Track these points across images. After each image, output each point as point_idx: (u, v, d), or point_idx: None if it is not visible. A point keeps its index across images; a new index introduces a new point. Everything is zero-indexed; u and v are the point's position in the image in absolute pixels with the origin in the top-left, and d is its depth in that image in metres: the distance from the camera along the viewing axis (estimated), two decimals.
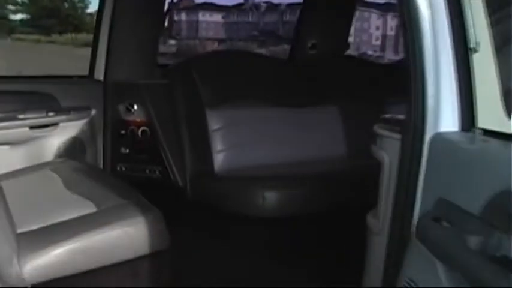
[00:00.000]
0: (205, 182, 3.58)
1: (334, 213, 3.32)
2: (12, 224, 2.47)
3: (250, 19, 17.95)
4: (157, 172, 3.66)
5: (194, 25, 17.81)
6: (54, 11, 13.73)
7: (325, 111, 4.08)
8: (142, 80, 3.72)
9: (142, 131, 3.67)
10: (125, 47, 3.70)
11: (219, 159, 3.69)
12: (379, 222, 2.14)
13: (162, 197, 3.67)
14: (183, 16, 18.06)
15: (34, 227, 2.50)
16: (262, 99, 3.89)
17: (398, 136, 2.08)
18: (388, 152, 2.14)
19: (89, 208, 2.66)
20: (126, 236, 2.55)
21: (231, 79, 3.85)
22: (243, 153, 3.76)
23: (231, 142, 3.75)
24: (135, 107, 3.68)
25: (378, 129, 2.26)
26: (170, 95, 3.69)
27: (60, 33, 13.27)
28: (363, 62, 4.52)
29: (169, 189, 3.65)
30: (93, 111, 3.67)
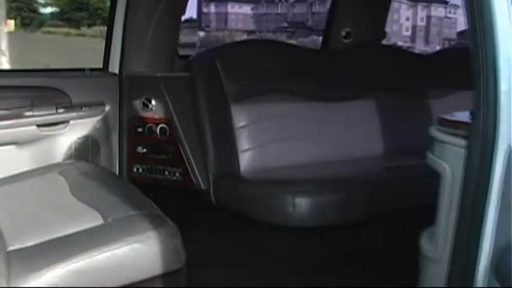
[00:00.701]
0: (229, 185, 3.15)
1: (375, 223, 2.89)
2: (1, 240, 2.08)
3: (279, 10, 17.65)
4: (177, 174, 3.24)
5: (223, 17, 17.52)
6: (83, 4, 13.46)
7: (364, 105, 3.65)
8: (161, 73, 3.29)
9: (161, 129, 3.25)
10: (141, 36, 3.28)
11: (244, 160, 3.28)
12: (437, 248, 1.70)
13: (182, 201, 3.28)
14: (212, 8, 17.81)
15: (29, 243, 2.11)
16: (294, 93, 3.46)
17: (463, 143, 1.63)
18: (449, 162, 1.69)
19: (94, 220, 2.26)
20: (136, 254, 2.13)
21: (258, 71, 3.42)
22: (271, 152, 3.34)
23: (258, 140, 3.33)
24: (153, 102, 3.26)
25: (436, 132, 1.81)
26: (191, 88, 3.26)
27: (89, 26, 13.00)
28: (403, 51, 4.06)
29: (190, 193, 3.23)
30: (108, 108, 3.26)
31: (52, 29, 13.83)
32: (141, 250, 2.13)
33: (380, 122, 3.72)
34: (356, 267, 2.89)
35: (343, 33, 3.86)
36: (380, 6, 4.00)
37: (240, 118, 3.31)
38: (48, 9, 14.50)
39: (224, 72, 3.31)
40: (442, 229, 1.69)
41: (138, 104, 3.28)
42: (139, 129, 3.27)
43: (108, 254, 2.08)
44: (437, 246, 1.70)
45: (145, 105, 3.26)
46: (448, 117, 1.79)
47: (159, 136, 3.25)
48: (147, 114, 3.27)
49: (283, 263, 2.93)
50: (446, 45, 15.97)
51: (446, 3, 16.51)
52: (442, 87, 4.03)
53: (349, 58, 3.76)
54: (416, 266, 1.86)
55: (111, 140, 3.29)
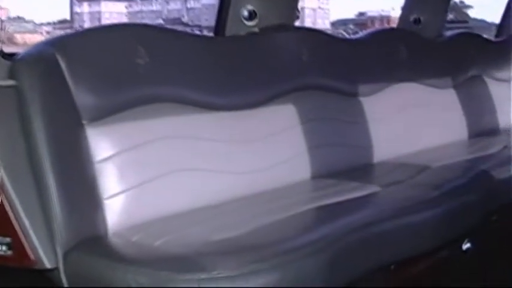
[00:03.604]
0: (90, 260, 1.76)
1: None
2: None
3: (154, 7, 16.21)
4: (4, 246, 1.82)
5: (97, 16, 15.90)
6: None
7: (283, 111, 2.43)
8: None
9: None
10: None
11: (113, 211, 1.92)
12: None
13: (14, 286, 1.91)
14: (85, 8, 16.19)
15: None
16: (184, 101, 2.15)
17: None
18: None
19: None
20: None
21: (128, 70, 2.06)
22: (155, 195, 2.01)
23: (133, 178, 1.98)
24: None
25: None
26: (21, 106, 1.86)
27: None
28: (325, 35, 2.81)
29: (27, 274, 1.85)
30: None
31: None
32: None
33: (305, 133, 2.48)
34: None
35: (245, 13, 2.57)
36: None
37: (103, 146, 1.94)
38: None
39: (73, 75, 1.92)
40: None
41: None
42: None
43: None
44: None
45: None
46: None
47: None
48: None
49: None
50: None
51: None
52: (373, 80, 2.88)
53: (258, 47, 2.49)
54: None
55: None
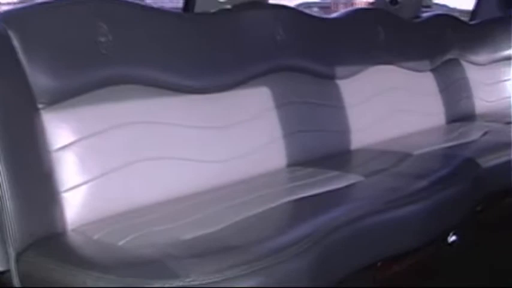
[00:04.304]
0: (45, 262, 1.55)
1: None
2: None
3: None
4: None
5: None
6: None
7: (258, 94, 2.25)
8: None
9: None
10: None
11: (73, 206, 1.71)
12: None
13: None
14: None
15: None
16: (148, 83, 1.94)
17: None
18: None
19: None
20: None
21: (87, 49, 1.84)
22: (119, 187, 1.80)
23: (95, 168, 1.77)
24: None
25: None
26: None
27: None
28: (302, 14, 2.58)
29: None
30: None
31: None
32: None
33: (280, 118, 2.30)
34: None
35: None
36: None
37: (61, 132, 1.73)
38: None
39: (27, 54, 1.70)
40: None
41: None
42: None
43: None
44: None
45: None
46: None
47: None
48: None
49: None
50: None
51: None
52: (351, 62, 2.70)
53: (230, 25, 2.28)
54: None
55: None
